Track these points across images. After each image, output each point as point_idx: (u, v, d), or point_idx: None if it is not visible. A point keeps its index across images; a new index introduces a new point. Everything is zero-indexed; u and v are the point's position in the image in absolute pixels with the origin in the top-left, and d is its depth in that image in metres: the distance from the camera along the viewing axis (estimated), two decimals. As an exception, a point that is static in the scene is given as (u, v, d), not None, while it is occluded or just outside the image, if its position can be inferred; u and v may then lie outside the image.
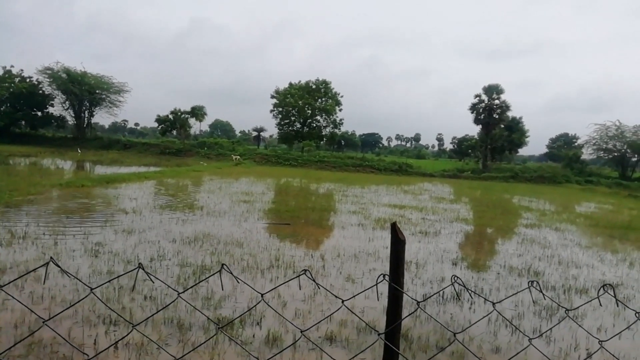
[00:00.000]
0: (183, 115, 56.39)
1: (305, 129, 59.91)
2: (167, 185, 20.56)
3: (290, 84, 60.04)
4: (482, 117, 53.58)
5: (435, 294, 6.71)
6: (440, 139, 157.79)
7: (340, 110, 60.41)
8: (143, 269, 1.72)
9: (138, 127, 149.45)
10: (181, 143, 54.83)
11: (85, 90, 55.89)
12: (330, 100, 59.35)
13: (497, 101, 53.15)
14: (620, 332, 5.40)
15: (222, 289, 6.08)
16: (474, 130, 67.63)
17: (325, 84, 59.41)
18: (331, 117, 60.15)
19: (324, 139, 63.58)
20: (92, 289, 1.96)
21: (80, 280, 2.14)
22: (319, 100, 59.33)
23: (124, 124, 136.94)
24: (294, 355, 4.46)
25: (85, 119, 60.05)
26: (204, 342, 4.56)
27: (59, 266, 1.63)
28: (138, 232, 9.66)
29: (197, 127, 76.81)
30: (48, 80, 56.80)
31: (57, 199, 14.03)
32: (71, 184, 17.15)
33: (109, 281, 5.15)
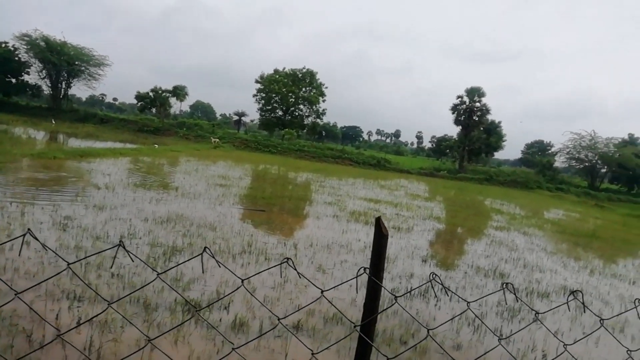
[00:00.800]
0: (164, 94, 55.27)
1: (287, 117, 59.59)
2: (143, 164, 20.21)
3: (276, 70, 59.55)
4: (462, 118, 54.33)
5: (415, 289, 6.83)
6: (419, 137, 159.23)
7: (323, 101, 60.32)
8: (124, 247, 1.70)
9: (116, 103, 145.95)
10: (160, 122, 53.83)
11: (64, 61, 54.14)
12: (315, 91, 59.14)
13: (478, 104, 53.96)
14: (586, 337, 5.62)
15: (203, 272, 6.04)
16: (454, 130, 68.45)
17: (311, 74, 59.10)
18: (314, 107, 59.98)
19: (305, 129, 63.40)
20: (69, 264, 1.93)
21: (57, 254, 2.10)
22: (304, 89, 59.04)
23: (102, 98, 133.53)
24: (259, 342, 4.48)
25: (62, 89, 58.24)
26: (179, 325, 4.54)
27: (36, 239, 1.60)
28: (109, 209, 9.49)
29: (177, 106, 75.40)
30: (25, 47, 54.75)
31: (27, 169, 13.65)
32: (43, 155, 16.68)
33: (89, 256, 5.06)
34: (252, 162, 31.78)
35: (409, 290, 6.78)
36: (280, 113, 59.90)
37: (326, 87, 60.13)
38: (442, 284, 1.88)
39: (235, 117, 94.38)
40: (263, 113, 60.30)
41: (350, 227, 11.25)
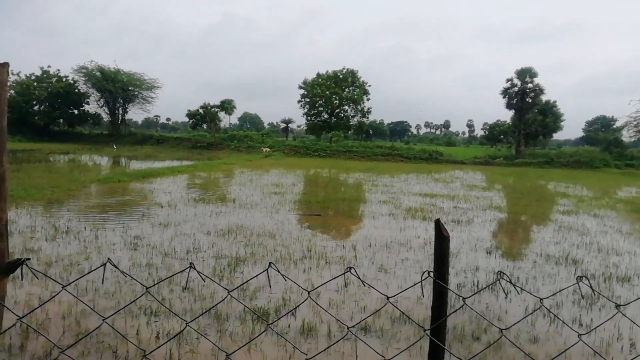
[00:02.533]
0: (213, 109, 57.23)
1: (333, 119, 59.79)
2: (200, 179, 20.98)
3: (318, 74, 59.93)
4: (514, 101, 52.17)
5: (482, 289, 6.65)
6: (470, 125, 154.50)
7: (367, 99, 60.00)
8: (194, 268, 1.78)
9: (170, 122, 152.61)
10: (212, 137, 55.70)
11: (118, 88, 57.47)
12: (358, 90, 58.97)
13: (530, 85, 51.64)
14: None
15: (270, 288, 6.12)
16: (506, 115, 65.85)
17: (352, 73, 59.01)
18: (359, 106, 59.80)
19: (352, 129, 63.36)
20: (147, 288, 2.05)
21: (136, 280, 2.23)
22: (347, 89, 59.02)
23: (156, 119, 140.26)
24: (328, 344, 4.51)
25: (120, 115, 61.84)
26: (253, 339, 4.68)
27: (116, 267, 1.72)
28: (174, 225, 9.93)
29: (226, 120, 77.74)
30: (83, 79, 58.75)
31: (95, 194, 14.55)
32: (109, 180, 17.73)
33: (163, 280, 5.33)
34: (303, 167, 32.13)
35: (476, 289, 6.59)
36: (326, 116, 60.19)
37: (369, 85, 59.85)
38: (510, 281, 1.82)
39: (283, 125, 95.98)
40: (309, 118, 60.86)
41: (407, 225, 11.10)
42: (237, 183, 19.46)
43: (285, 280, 6.22)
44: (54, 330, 4.63)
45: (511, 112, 54.02)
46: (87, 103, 60.88)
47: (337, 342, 4.52)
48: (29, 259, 1.58)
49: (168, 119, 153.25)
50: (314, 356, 2.47)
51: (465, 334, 4.96)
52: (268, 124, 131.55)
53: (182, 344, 4.42)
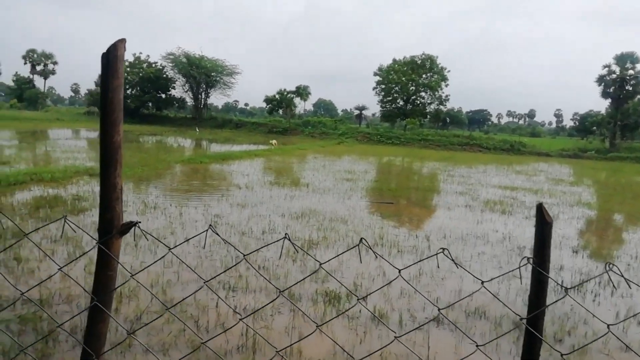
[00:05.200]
0: (289, 95, 58.28)
1: (408, 107, 58.49)
2: (275, 163, 21.56)
3: (394, 60, 58.76)
4: (611, 90, 47.80)
5: (590, 279, 6.27)
6: (558, 115, 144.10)
7: (446, 85, 57.88)
8: (289, 240, 1.85)
9: (248, 107, 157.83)
10: (287, 122, 56.89)
11: (202, 73, 60.26)
12: (436, 76, 57.03)
13: (630, 71, 46.90)
14: None
15: (360, 262, 6.26)
16: (601, 105, 60.53)
17: (430, 59, 57.13)
18: (436, 93, 57.91)
19: (428, 117, 61.59)
20: (244, 255, 2.15)
21: (235, 247, 2.35)
22: (424, 76, 57.32)
23: (235, 104, 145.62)
24: (400, 332, 4.48)
25: (202, 100, 64.89)
26: (344, 312, 4.78)
27: (217, 234, 1.83)
28: (250, 206, 10.32)
29: (301, 106, 78.92)
30: (171, 64, 62.21)
31: (179, 174, 15.48)
32: (192, 161, 18.78)
33: (261, 248, 5.59)
34: (376, 155, 31.87)
35: (560, 289, 6.18)
36: (401, 103, 59.01)
37: (448, 71, 57.64)
38: (621, 275, 1.67)
39: (356, 112, 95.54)
40: (383, 105, 60.03)
41: (485, 217, 10.65)
42: (311, 168, 19.74)
43: (376, 257, 6.26)
44: (142, 296, 5.02)
45: (607, 102, 49.63)
46: (174, 88, 64.53)
47: (427, 323, 4.47)
48: (140, 222, 1.71)
49: (246, 104, 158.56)
50: (400, 336, 2.45)
51: (546, 334, 4.69)
52: (342, 111, 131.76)
53: (257, 319, 4.62)
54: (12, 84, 78.04)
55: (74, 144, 25.24)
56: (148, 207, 9.65)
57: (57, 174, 12.42)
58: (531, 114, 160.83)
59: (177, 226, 8.14)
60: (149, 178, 13.89)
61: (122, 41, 1.29)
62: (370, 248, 1.79)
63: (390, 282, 2.27)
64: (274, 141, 23.56)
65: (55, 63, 79.53)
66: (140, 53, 63.50)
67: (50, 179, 11.93)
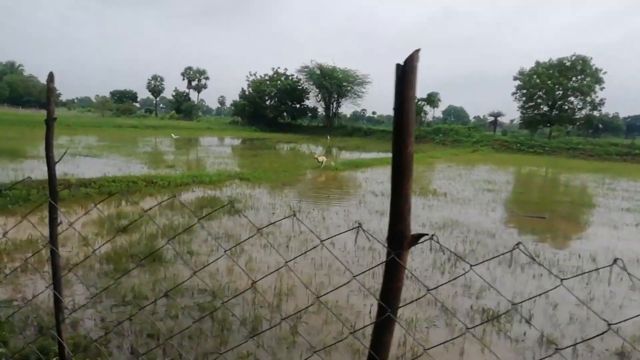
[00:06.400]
0: (419, 103, 57.25)
1: (553, 113, 53.21)
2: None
3: (537, 62, 54.03)
4: None
5: None
6: None
7: (601, 89, 51.36)
8: (436, 241, 1.75)
9: (375, 116, 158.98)
10: (417, 130, 55.83)
11: (334, 84, 62.41)
12: (589, 79, 50.96)
13: None
14: None
15: (535, 261, 5.89)
16: None
17: (583, 60, 51.21)
18: (588, 97, 51.72)
19: (576, 123, 55.32)
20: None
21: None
22: (573, 79, 51.65)
23: (363, 112, 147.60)
24: (576, 364, 4.01)
25: (333, 109, 67.10)
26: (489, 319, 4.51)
27: (365, 231, 1.81)
28: (388, 214, 10.24)
29: (430, 113, 76.95)
30: (305, 77, 65.59)
31: (317, 180, 16.10)
32: (327, 167, 19.42)
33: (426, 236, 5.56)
34: (516, 164, 29.56)
35: None
36: (545, 109, 53.92)
37: (604, 73, 51.10)
38: None
39: (491, 119, 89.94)
40: (524, 111, 55.49)
41: (663, 239, 9.12)
42: (446, 177, 19.03)
43: (539, 265, 5.80)
44: (299, 294, 5.25)
45: None
46: (307, 98, 67.89)
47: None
48: (435, 235, 1.75)
49: (373, 112, 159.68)
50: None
51: None
52: (473, 118, 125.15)
53: (412, 329, 4.52)
54: (172, 97, 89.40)
55: (222, 151, 27.89)
56: (292, 210, 10.19)
57: (214, 177, 13.81)
58: None
59: (322, 230, 8.43)
60: (290, 183, 14.69)
61: (417, 51, 1.32)
62: (530, 256, 1.59)
63: (548, 291, 2.00)
64: (321, 158, 17.40)
65: (207, 78, 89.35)
66: (278, 67, 68.05)
67: (208, 181, 13.31)
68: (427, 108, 61.67)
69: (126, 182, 11.74)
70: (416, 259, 6.85)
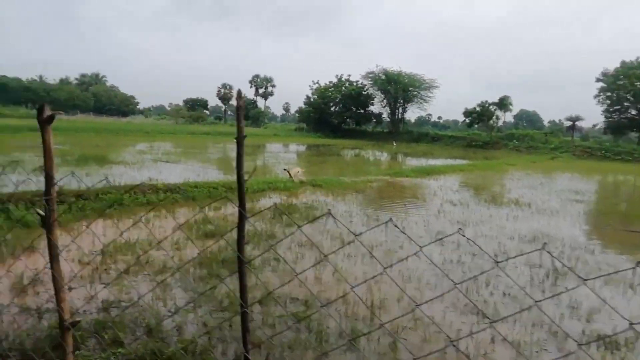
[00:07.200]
0: (490, 107, 55.07)
1: (644, 116, 48.98)
2: (483, 179, 20.38)
3: (623, 62, 50.08)
4: None
5: None
6: None
7: None
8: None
9: (441, 121, 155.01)
10: (488, 135, 53.73)
11: (399, 89, 61.61)
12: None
13: None
14: None
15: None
16: None
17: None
18: (683, 99, 47.15)
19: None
20: (497, 261, 1.91)
21: (488, 255, 2.12)
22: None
23: (428, 117, 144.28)
24: None
25: (399, 114, 66.21)
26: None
27: (468, 239, 1.60)
28: (472, 225, 9.83)
29: (502, 118, 73.76)
30: (370, 82, 65.35)
31: (389, 187, 15.83)
32: (398, 174, 19.08)
33: (514, 257, 5.30)
34: (602, 172, 27.46)
35: None
36: (634, 112, 49.76)
37: None
38: None
39: (568, 123, 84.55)
40: (609, 115, 51.59)
41: None
42: (526, 186, 18.02)
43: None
44: (392, 306, 5.10)
45: None
46: (372, 104, 67.52)
47: None
48: (461, 229, 1.57)
49: (439, 117, 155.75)
50: None
51: None
52: (548, 122, 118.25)
53: (522, 354, 4.21)
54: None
55: (290, 157, 28.31)
56: (370, 218, 10.05)
57: (288, 183, 13.99)
58: None
59: (404, 240, 8.21)
60: (362, 190, 14.56)
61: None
62: None
63: None
64: (294, 170, 13.77)
65: (273, 86, 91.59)
66: (342, 74, 68.32)
67: (283, 188, 13.49)
68: (499, 112, 59.14)
69: (207, 187, 12.17)
70: (511, 274, 6.46)
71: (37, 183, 8.94)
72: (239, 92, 1.31)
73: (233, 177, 15.22)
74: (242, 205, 1.37)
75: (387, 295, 5.52)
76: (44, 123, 1.45)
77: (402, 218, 10.32)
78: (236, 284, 5.18)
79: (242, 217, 1.39)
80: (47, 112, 1.46)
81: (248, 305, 1.36)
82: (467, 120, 58.35)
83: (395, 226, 2.35)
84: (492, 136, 52.74)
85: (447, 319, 4.95)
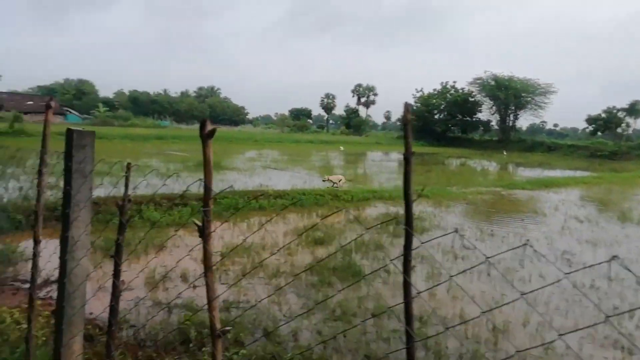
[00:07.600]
0: (619, 113, 49.31)
1: None
2: (614, 193, 18.18)
3: None
4: None
5: None
6: None
7: None
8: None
9: (557, 128, 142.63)
10: (615, 145, 48.09)
11: (510, 95, 57.79)
12: None
13: None
14: None
15: None
16: None
17: None
18: None
19: None
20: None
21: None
22: None
23: (542, 125, 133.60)
24: None
25: (509, 122, 62.14)
26: None
27: (627, 268, 1.22)
28: (604, 245, 8.76)
29: (632, 126, 65.69)
30: (478, 89, 62.28)
31: (502, 200, 14.77)
32: (511, 186, 17.78)
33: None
34: None
35: None
36: None
37: None
38: None
39: None
40: None
41: None
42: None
43: None
44: (519, 334, 4.67)
45: None
46: (480, 111, 64.24)
47: None
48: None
49: (555, 125, 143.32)
50: None
51: None
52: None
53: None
54: (342, 113, 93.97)
55: (392, 166, 27.86)
56: (484, 233, 9.44)
57: (394, 192, 13.72)
58: None
59: (525, 258, 7.54)
60: (473, 201, 13.80)
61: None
62: None
63: None
64: (335, 177, 12.72)
65: (375, 94, 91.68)
66: (447, 82, 66.05)
67: (387, 197, 13.27)
68: (628, 119, 52.72)
69: (314, 195, 12.41)
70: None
71: (162, 186, 9.80)
72: (407, 106, 1.21)
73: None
74: (409, 224, 1.27)
75: (510, 319, 5.08)
76: (206, 138, 1.49)
77: (520, 234, 9.54)
78: (348, 294, 5.08)
79: (408, 237, 1.29)
80: (209, 126, 1.50)
81: (412, 333, 1.24)
82: (591, 128, 52.84)
83: (535, 250, 2.08)
84: (620, 145, 47.04)
85: (584, 352, 4.39)
